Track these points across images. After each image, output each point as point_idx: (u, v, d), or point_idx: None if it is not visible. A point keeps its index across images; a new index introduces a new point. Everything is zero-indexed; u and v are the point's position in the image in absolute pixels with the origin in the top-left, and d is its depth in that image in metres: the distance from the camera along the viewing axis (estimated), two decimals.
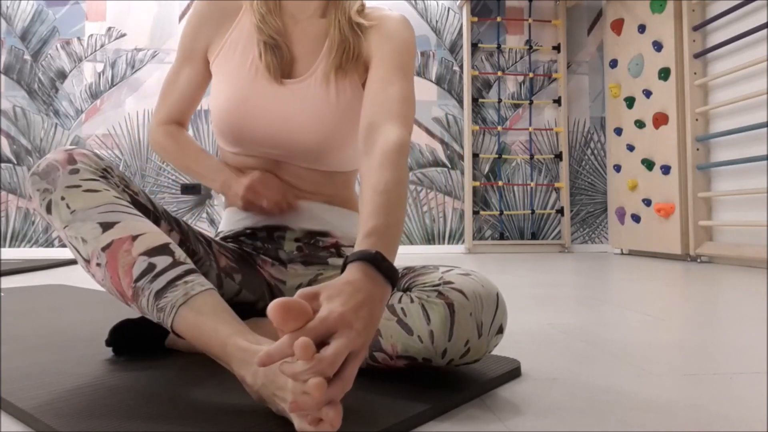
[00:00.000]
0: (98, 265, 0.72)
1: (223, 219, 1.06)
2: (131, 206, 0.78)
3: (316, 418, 0.52)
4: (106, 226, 0.72)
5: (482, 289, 0.73)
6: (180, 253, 0.74)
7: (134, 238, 0.72)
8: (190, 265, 0.73)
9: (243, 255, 0.99)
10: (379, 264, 0.60)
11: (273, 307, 0.51)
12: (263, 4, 0.97)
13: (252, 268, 0.98)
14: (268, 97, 0.94)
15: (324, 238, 1.00)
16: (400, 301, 0.73)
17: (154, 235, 0.74)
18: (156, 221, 0.86)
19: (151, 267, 0.70)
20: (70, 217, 0.73)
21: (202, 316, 0.67)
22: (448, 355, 0.71)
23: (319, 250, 1.00)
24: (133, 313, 0.99)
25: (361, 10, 0.98)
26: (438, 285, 0.73)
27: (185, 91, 1.04)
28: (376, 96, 0.86)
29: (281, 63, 0.95)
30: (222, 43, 0.99)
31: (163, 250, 0.72)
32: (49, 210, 0.75)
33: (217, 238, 1.03)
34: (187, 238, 0.90)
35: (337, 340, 0.52)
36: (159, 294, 0.69)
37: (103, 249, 0.72)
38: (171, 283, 0.69)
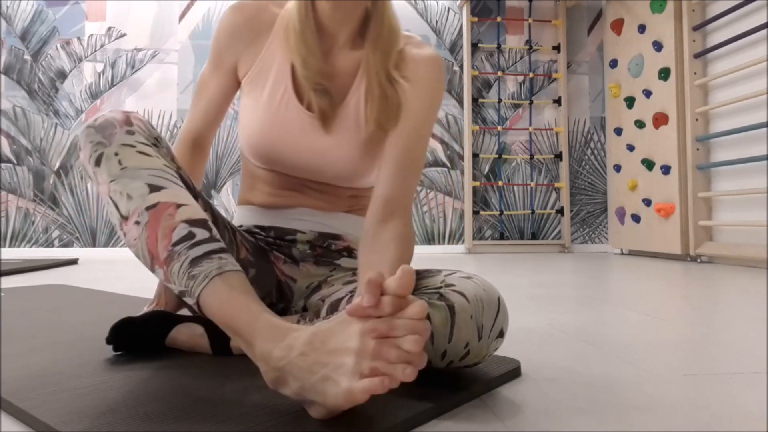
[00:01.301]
0: (137, 222, 0.73)
1: (235, 216, 1.07)
2: (177, 177, 0.79)
3: (381, 372, 0.55)
4: (154, 188, 0.74)
5: (483, 293, 0.73)
6: (216, 232, 0.75)
7: (178, 206, 0.73)
8: (224, 245, 0.75)
9: (260, 249, 1.01)
10: None
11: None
12: (302, 41, 0.91)
13: (267, 263, 1.00)
14: (304, 129, 0.94)
15: (336, 241, 1.02)
16: None
17: (196, 208, 0.76)
18: (194, 198, 0.87)
19: (191, 235, 0.72)
20: (120, 172, 0.74)
21: (234, 291, 0.68)
22: (448, 356, 0.71)
23: (331, 252, 1.01)
24: (133, 312, 0.99)
25: (400, 59, 0.94)
26: (439, 287, 0.73)
27: (213, 100, 1.02)
28: (398, 168, 0.89)
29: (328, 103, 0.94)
30: (252, 64, 0.97)
31: (203, 224, 0.74)
32: (98, 162, 0.76)
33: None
34: (216, 223, 0.92)
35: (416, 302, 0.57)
36: (195, 261, 0.70)
37: (148, 208, 0.72)
38: (208, 254, 0.70)
